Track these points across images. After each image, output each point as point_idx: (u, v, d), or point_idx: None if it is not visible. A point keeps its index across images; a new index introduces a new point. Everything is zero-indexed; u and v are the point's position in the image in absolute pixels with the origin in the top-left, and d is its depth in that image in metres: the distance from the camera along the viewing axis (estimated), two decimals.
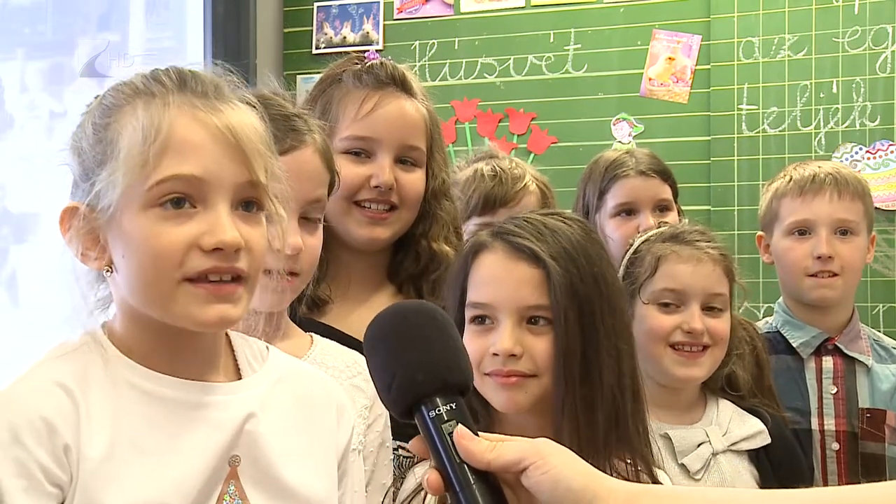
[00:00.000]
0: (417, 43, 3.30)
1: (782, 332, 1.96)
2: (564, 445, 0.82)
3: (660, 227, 1.74)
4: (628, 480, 1.07)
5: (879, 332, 2.08)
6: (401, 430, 1.37)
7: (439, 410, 0.82)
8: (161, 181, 0.94)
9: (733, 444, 1.59)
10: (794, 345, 1.94)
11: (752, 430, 1.61)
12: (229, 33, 3.15)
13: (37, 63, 2.65)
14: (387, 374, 0.85)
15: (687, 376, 1.59)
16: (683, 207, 2.18)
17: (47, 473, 0.90)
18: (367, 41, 3.31)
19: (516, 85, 3.21)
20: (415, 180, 1.60)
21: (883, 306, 2.79)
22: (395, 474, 1.38)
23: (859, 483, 0.81)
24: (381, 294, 1.62)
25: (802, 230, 1.92)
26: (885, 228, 2.75)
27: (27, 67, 2.63)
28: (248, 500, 0.99)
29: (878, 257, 2.61)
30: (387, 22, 3.34)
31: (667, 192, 2.07)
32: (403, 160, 1.59)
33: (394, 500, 1.34)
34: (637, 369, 1.27)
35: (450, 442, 0.80)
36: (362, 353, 0.91)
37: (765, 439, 1.61)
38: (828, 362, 1.93)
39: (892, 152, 2.84)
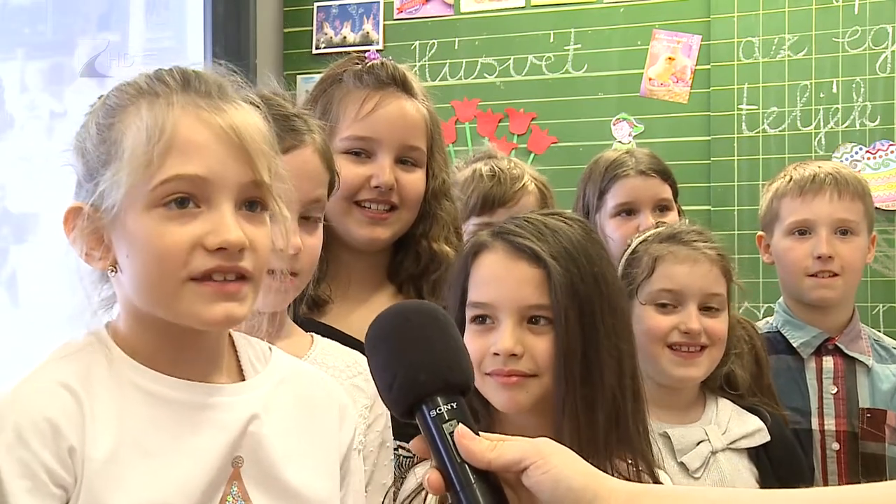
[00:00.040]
0: (417, 43, 3.30)
1: (783, 332, 1.96)
2: (565, 445, 0.82)
3: (657, 227, 1.74)
4: (629, 480, 1.07)
5: (879, 332, 2.08)
6: (401, 430, 1.37)
7: (440, 410, 0.82)
8: (165, 181, 0.94)
9: (732, 442, 1.59)
10: (795, 345, 1.94)
11: (751, 428, 1.62)
12: (229, 33, 3.15)
13: (37, 63, 2.65)
14: (388, 373, 0.85)
15: (685, 376, 1.59)
16: (683, 207, 2.18)
17: (52, 475, 0.90)
18: (367, 41, 3.32)
19: (516, 85, 3.21)
20: (415, 180, 1.60)
21: (883, 306, 2.79)
22: (395, 474, 1.38)
23: (859, 483, 0.81)
24: (382, 294, 1.62)
25: (802, 230, 1.92)
26: (885, 228, 2.75)
27: (27, 67, 2.63)
28: (250, 500, 0.99)
29: (878, 257, 2.61)
30: (387, 22, 3.34)
31: (667, 192, 2.07)
32: (404, 160, 1.59)
33: (394, 500, 1.34)
34: (637, 369, 1.27)
35: (451, 441, 0.80)
36: (362, 353, 0.91)
37: (764, 437, 1.62)
38: (828, 362, 1.93)
39: (892, 152, 2.84)
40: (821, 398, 1.90)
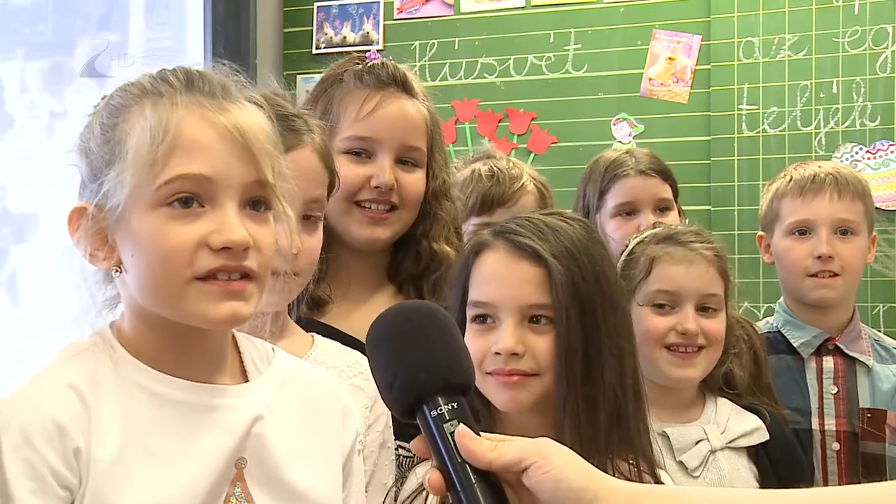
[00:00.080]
0: (417, 43, 3.30)
1: (783, 332, 1.96)
2: (566, 445, 0.82)
3: (655, 227, 1.74)
4: (631, 480, 1.07)
5: (880, 332, 2.08)
6: (402, 430, 1.37)
7: (441, 410, 0.82)
8: (169, 181, 0.94)
9: (731, 441, 1.59)
10: (795, 345, 1.94)
11: (749, 426, 1.62)
12: (229, 33, 3.16)
13: (37, 63, 2.65)
14: (389, 373, 0.85)
15: (682, 377, 1.59)
16: (683, 207, 2.18)
17: (57, 476, 0.90)
18: (367, 41, 3.32)
19: (516, 85, 3.21)
20: (415, 181, 1.60)
21: (883, 306, 2.79)
22: (396, 474, 1.38)
23: (860, 483, 0.81)
24: (382, 294, 1.62)
25: (803, 230, 1.92)
26: (886, 228, 2.75)
27: (27, 67, 2.63)
28: (253, 501, 0.99)
29: (878, 257, 2.61)
30: (387, 22, 3.34)
31: (667, 192, 2.07)
32: (404, 160, 1.59)
33: (395, 501, 1.34)
34: (638, 368, 1.27)
35: (451, 441, 0.80)
36: (363, 353, 0.91)
37: (762, 436, 1.61)
38: (828, 362, 1.93)
39: (892, 152, 2.84)
40: (821, 398, 1.90)
